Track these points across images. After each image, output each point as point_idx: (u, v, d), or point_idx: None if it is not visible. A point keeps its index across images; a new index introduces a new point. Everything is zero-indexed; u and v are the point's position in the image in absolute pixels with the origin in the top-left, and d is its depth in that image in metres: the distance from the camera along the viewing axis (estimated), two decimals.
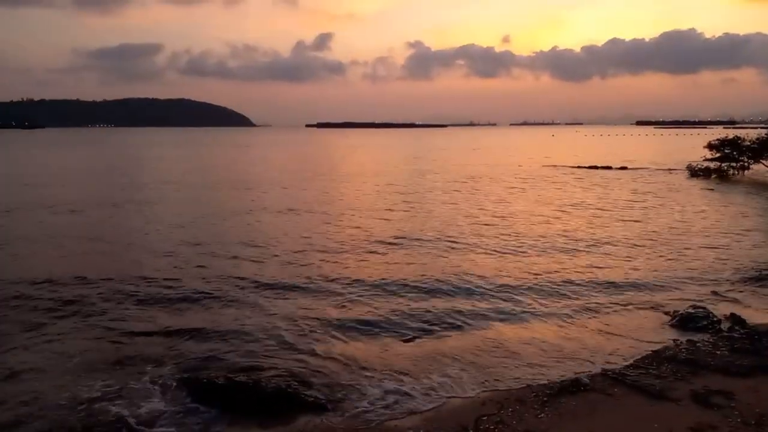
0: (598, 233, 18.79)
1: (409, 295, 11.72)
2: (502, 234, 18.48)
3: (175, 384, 7.73)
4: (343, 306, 11.03)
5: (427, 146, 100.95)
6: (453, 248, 16.24)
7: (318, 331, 9.69)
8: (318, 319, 10.25)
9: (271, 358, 8.63)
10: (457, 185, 33.83)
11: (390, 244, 16.62)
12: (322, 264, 14.21)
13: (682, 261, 15.05)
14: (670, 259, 15.21)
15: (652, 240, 17.73)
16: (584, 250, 16.14)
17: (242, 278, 12.90)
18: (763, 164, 37.84)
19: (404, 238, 17.38)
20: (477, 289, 12.21)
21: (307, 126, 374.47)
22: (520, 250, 16.15)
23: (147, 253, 15.68)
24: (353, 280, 12.66)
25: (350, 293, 11.77)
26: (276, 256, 15.15)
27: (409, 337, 9.50)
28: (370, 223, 20.12)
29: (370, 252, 15.56)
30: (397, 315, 10.46)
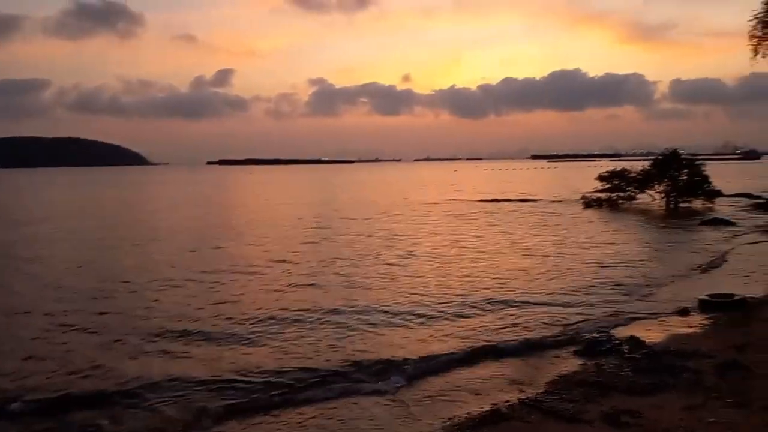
0: (500, 266, 19.42)
1: (321, 354, 10.61)
2: (406, 278, 17.38)
3: None
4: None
5: (334, 182, 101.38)
6: (357, 286, 16.17)
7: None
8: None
9: None
10: (364, 224, 33.91)
11: (300, 310, 13.58)
12: (221, 348, 11.22)
13: (583, 288, 15.85)
14: (571, 287, 15.98)
15: (552, 270, 18.58)
16: (488, 284, 16.47)
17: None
18: (648, 194, 40.92)
19: (314, 296, 15.06)
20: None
21: (209, 163, 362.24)
22: (424, 290, 15.76)
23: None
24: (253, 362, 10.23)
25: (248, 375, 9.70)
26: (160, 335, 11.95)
27: (330, 394, 9.02)
28: (273, 278, 17.28)
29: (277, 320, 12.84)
30: (308, 372, 9.70)
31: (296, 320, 12.74)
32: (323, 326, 12.32)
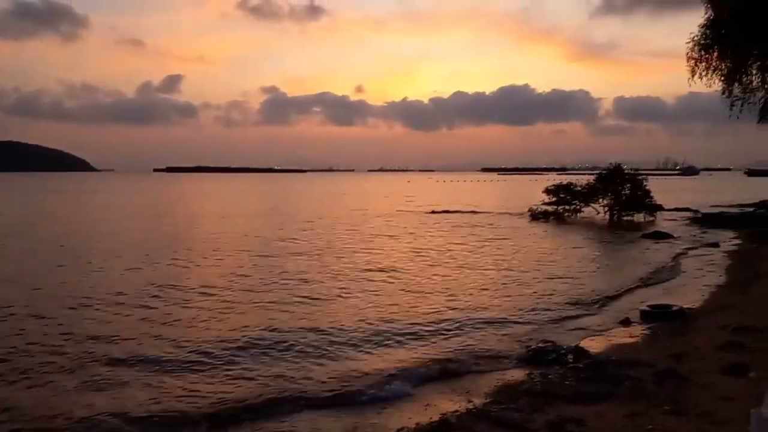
0: (450, 276, 19.70)
1: (274, 376, 10.32)
2: (360, 294, 17.18)
3: None
4: None
5: (288, 192, 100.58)
6: (309, 301, 16.10)
7: None
8: None
9: None
10: (321, 237, 33.72)
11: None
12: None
13: (530, 298, 16.20)
14: (519, 297, 16.32)
15: (501, 280, 18.93)
16: (439, 297, 16.60)
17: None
18: (593, 207, 42.13)
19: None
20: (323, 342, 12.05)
21: (156, 170, 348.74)
22: (378, 306, 15.69)
23: None
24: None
25: None
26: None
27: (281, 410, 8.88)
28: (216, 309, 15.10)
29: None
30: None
31: (248, 342, 11.90)
32: (277, 349, 11.58)
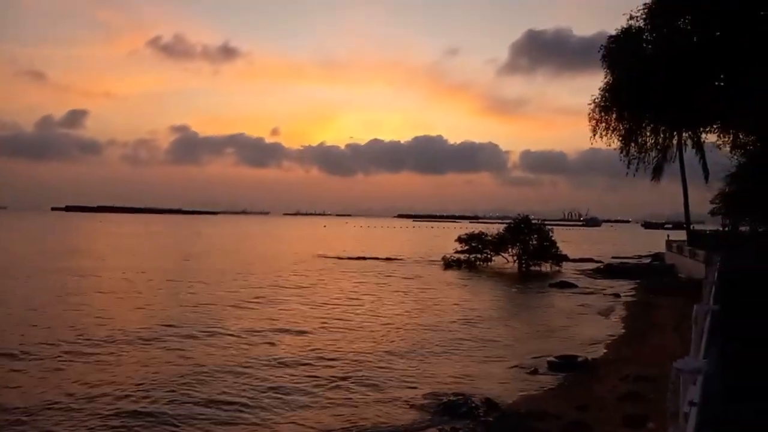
0: (362, 327, 19.46)
1: None
2: (268, 356, 15.62)
3: None
4: None
5: (195, 235, 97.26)
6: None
7: None
8: None
9: None
10: (224, 286, 32.61)
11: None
12: None
13: (442, 349, 16.23)
14: (432, 349, 16.29)
15: (413, 330, 18.90)
16: (352, 345, 16.46)
17: None
18: (503, 256, 43.38)
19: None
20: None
21: (54, 209, 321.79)
22: (282, 369, 14.50)
23: None
24: None
25: None
26: None
27: None
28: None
29: None
30: None
31: None
32: None
